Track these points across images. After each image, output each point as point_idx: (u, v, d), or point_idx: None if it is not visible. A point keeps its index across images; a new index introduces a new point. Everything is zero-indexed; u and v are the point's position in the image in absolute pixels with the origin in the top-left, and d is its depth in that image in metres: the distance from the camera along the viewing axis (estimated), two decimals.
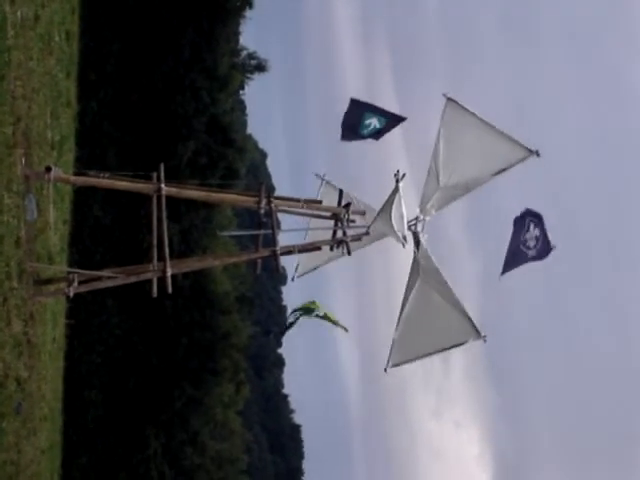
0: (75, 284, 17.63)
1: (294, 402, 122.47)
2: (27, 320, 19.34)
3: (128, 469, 46.23)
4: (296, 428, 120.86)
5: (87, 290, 18.25)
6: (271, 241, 18.31)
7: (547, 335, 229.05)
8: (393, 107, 18.95)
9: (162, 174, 17.51)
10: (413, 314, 17.82)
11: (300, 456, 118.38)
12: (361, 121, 18.12)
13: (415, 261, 17.89)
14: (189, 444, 49.96)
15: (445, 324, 17.60)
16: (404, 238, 17.67)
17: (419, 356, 18.03)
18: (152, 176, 17.59)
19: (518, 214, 17.61)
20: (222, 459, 54.76)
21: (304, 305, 18.84)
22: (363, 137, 18.38)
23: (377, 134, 18.30)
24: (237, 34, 54.00)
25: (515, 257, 17.66)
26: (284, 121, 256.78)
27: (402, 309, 17.90)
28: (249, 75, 57.23)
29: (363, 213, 18.98)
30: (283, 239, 18.68)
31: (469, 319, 17.20)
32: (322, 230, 19.17)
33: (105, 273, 18.36)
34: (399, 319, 17.90)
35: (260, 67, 56.50)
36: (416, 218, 17.93)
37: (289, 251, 18.64)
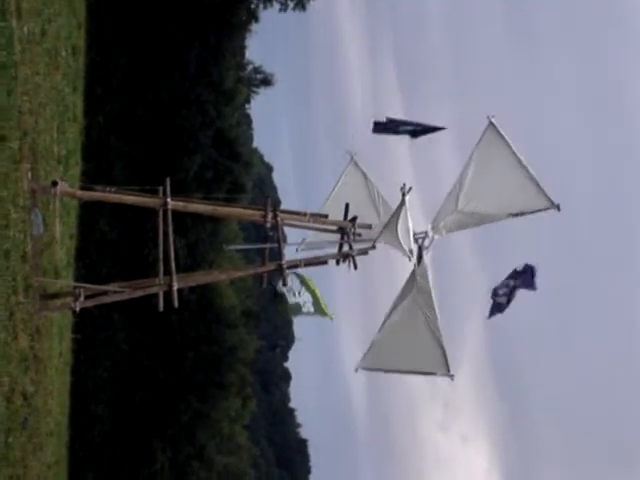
0: (81, 298, 17.68)
1: (300, 416, 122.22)
2: (33, 335, 19.30)
3: None
4: (303, 442, 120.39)
5: (93, 304, 18.26)
6: (277, 255, 18.32)
7: (555, 347, 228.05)
8: None
9: (168, 188, 17.55)
10: (396, 325, 17.95)
11: (307, 470, 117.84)
12: (396, 127, 18.27)
13: (413, 275, 17.91)
14: (196, 458, 49.81)
15: (421, 348, 17.78)
16: (410, 252, 17.65)
17: (389, 370, 18.68)
18: (158, 190, 17.62)
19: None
20: (229, 473, 54.64)
21: (302, 276, 18.91)
22: (397, 133, 18.38)
23: (414, 134, 18.31)
24: (243, 48, 54.27)
25: (494, 305, 18.09)
26: (290, 135, 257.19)
27: (389, 314, 18.02)
28: (255, 89, 57.43)
29: (369, 227, 18.94)
30: (289, 252, 18.76)
31: (443, 353, 17.42)
32: (328, 242, 19.20)
33: (111, 287, 18.40)
34: (384, 322, 18.04)
35: (266, 81, 56.71)
36: (425, 232, 17.88)
37: (295, 265, 18.63)
